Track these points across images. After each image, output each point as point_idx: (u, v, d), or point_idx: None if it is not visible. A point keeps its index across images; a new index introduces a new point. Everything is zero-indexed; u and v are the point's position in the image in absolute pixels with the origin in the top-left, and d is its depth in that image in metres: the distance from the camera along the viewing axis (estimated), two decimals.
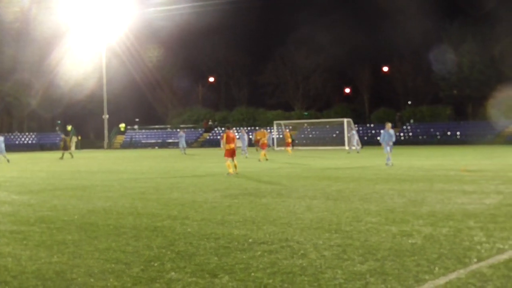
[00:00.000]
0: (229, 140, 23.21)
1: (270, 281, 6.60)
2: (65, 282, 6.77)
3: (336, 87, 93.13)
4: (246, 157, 37.67)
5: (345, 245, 8.39)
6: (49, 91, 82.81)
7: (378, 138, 32.88)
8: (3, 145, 39.93)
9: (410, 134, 70.70)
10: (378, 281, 6.50)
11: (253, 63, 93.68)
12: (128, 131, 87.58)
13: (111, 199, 14.90)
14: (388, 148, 26.80)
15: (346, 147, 54.60)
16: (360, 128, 71.12)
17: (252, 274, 6.91)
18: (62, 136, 50.61)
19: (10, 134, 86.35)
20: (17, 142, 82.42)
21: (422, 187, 16.49)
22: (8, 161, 38.31)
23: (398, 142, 65.80)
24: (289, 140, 47.86)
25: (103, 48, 79.50)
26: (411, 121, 74.23)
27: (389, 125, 27.72)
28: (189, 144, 67.04)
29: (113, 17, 76.20)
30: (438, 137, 67.59)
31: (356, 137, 49.17)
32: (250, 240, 8.89)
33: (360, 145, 50.09)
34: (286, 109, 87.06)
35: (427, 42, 74.90)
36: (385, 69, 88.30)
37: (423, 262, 7.33)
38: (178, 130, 68.84)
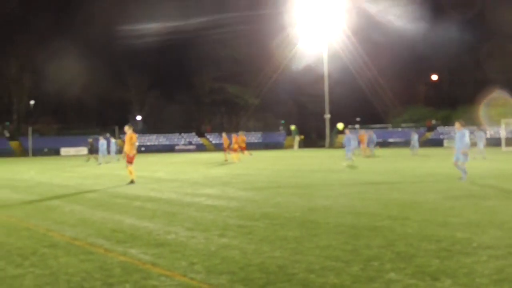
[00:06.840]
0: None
1: None
2: (286, 276, 6.97)
3: None
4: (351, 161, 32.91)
5: None
6: (271, 91, 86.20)
7: None
8: (105, 147, 42.29)
9: None
10: None
11: (476, 60, 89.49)
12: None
13: (331, 197, 15.09)
14: (461, 156, 19.43)
15: None
16: None
17: (477, 279, 6.59)
18: None
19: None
20: None
21: None
22: (118, 160, 41.55)
23: None
24: (243, 144, 44.68)
25: (324, 47, 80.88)
26: None
27: (458, 124, 19.96)
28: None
29: (333, 15, 77.27)
30: None
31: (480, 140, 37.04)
32: (474, 244, 8.49)
33: None
34: None
35: None
36: None
37: None
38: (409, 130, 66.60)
